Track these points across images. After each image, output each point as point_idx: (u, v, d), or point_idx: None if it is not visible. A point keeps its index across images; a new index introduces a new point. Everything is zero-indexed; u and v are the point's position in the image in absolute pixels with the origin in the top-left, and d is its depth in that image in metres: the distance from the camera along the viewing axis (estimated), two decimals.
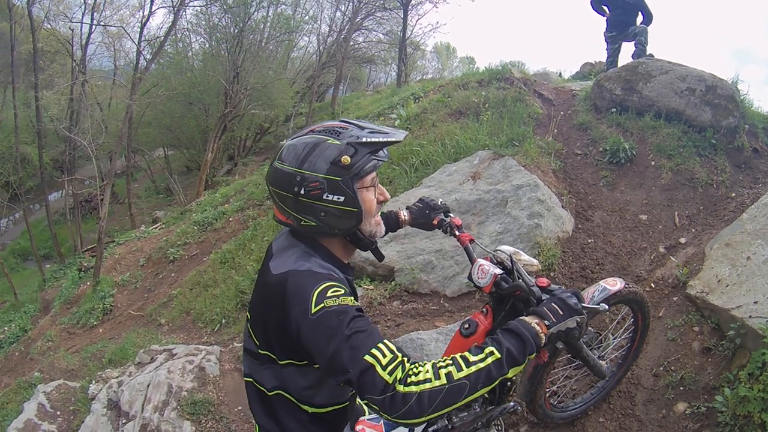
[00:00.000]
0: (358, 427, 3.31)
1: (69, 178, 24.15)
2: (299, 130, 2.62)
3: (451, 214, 3.89)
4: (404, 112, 13.12)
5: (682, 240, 7.62)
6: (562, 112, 11.28)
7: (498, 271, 3.15)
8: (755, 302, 5.41)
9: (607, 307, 2.86)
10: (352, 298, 2.29)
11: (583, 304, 2.55)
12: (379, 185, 2.67)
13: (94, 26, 24.43)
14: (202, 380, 7.47)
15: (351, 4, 30.28)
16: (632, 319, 4.84)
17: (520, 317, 2.41)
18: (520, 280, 3.06)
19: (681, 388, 5.32)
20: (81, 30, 24.84)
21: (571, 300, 2.48)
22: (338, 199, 2.40)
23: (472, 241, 3.64)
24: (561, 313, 2.42)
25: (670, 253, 7.41)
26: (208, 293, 10.95)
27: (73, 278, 16.47)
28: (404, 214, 3.81)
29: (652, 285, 6.85)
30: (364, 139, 2.43)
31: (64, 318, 13.79)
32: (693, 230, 7.80)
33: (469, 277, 3.29)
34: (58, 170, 29.88)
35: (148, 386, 7.30)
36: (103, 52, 31.10)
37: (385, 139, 2.48)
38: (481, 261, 3.27)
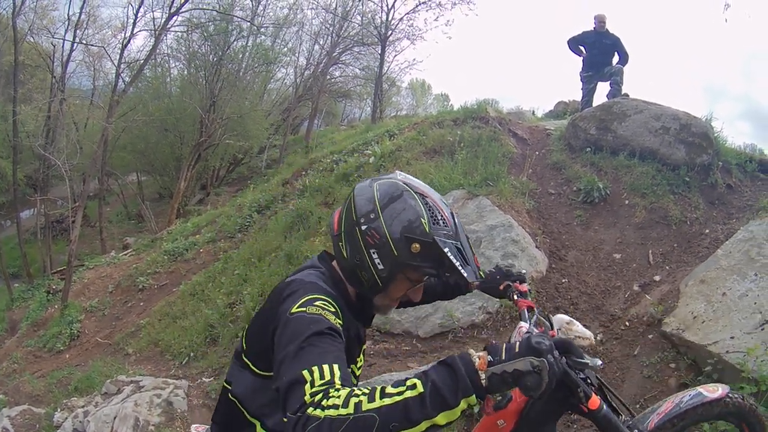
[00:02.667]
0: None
1: (41, 197, 23.70)
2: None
3: (526, 284, 3.53)
4: (379, 149, 13.06)
5: (657, 278, 7.58)
6: (536, 152, 11.29)
7: (535, 332, 2.83)
8: (732, 337, 5.41)
9: (600, 363, 2.39)
10: (338, 319, 2.11)
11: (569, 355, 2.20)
12: (420, 288, 2.51)
13: (75, 44, 24.25)
14: (170, 415, 7.37)
15: (329, 38, 30.30)
16: None
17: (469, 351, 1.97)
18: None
19: None
20: (63, 47, 24.61)
21: (535, 339, 1.83)
22: (379, 265, 2.24)
23: (531, 308, 3.29)
24: (517, 350, 1.79)
25: (645, 291, 7.36)
26: (176, 325, 10.81)
27: (41, 300, 16.14)
28: None
29: (627, 323, 6.80)
30: (446, 250, 2.18)
31: (30, 340, 13.47)
32: (667, 268, 7.76)
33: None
34: (31, 188, 29.24)
35: (114, 418, 7.16)
36: (83, 71, 30.61)
37: (460, 268, 2.19)
38: (522, 324, 3.05)
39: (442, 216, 2.25)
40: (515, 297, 3.39)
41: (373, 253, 2.22)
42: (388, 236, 2.19)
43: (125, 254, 18.51)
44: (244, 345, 2.47)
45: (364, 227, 2.22)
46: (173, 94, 28.04)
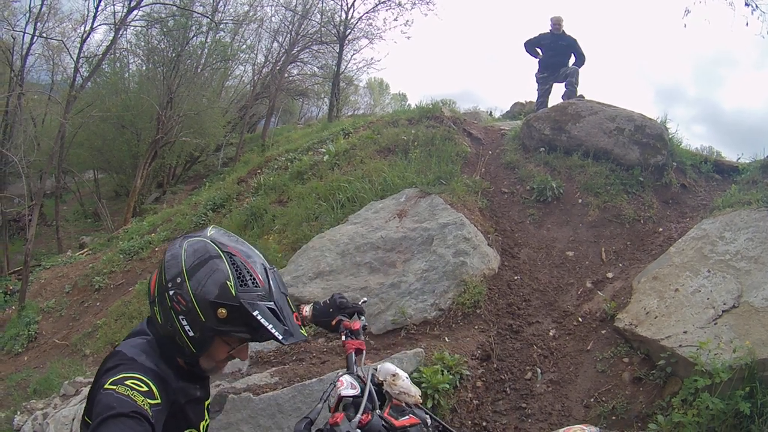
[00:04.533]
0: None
1: None
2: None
3: (362, 318, 3.35)
4: (333, 147, 13.05)
5: (609, 275, 7.60)
6: (490, 151, 11.30)
7: (348, 392, 2.62)
8: (685, 332, 5.48)
9: None
10: (149, 399, 2.08)
11: None
12: (245, 347, 2.43)
13: (36, 37, 23.33)
14: None
15: (289, 35, 30.22)
16: None
17: None
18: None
19: (613, 418, 5.30)
20: (23, 39, 23.78)
21: None
22: (189, 331, 2.19)
23: (360, 350, 3.11)
24: None
25: (598, 288, 7.39)
26: (132, 325, 10.37)
27: None
28: (306, 311, 3.34)
29: (580, 319, 6.82)
30: (255, 313, 2.15)
31: None
32: (620, 265, 7.79)
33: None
34: None
35: (73, 420, 7.08)
36: (41, 65, 29.97)
37: (273, 332, 2.19)
38: (345, 377, 2.73)
39: (252, 276, 2.22)
40: (343, 338, 3.21)
41: (182, 319, 2.18)
42: (194, 302, 2.14)
43: (82, 253, 18.41)
44: (87, 404, 2.38)
45: (171, 292, 2.19)
46: (131, 90, 27.62)
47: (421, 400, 2.74)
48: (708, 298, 5.89)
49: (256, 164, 16.62)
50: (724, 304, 5.75)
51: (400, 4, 25.46)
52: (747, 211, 7.05)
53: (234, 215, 12.78)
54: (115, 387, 2.01)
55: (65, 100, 19.36)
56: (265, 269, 2.29)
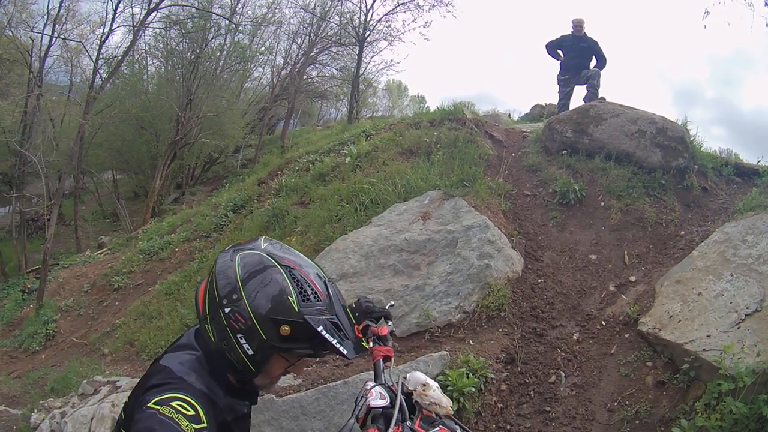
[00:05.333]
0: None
1: (17, 194, 23.15)
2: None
3: (390, 323, 3.27)
4: (355, 149, 13.06)
5: (632, 278, 7.62)
6: (512, 154, 11.29)
7: (378, 403, 2.52)
8: (708, 336, 5.50)
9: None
10: (194, 424, 1.94)
11: None
12: (303, 363, 2.30)
13: (54, 38, 23.40)
14: None
15: (307, 37, 30.24)
16: None
17: None
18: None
19: (637, 422, 5.32)
20: (41, 41, 23.79)
21: None
22: (248, 350, 2.07)
23: (388, 358, 3.06)
24: None
25: (621, 292, 7.41)
26: (152, 325, 10.73)
27: (17, 299, 16.10)
28: None
29: (603, 323, 6.84)
30: (320, 329, 2.03)
31: (5, 340, 13.40)
32: (643, 268, 7.80)
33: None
34: (6, 185, 27.88)
35: (91, 419, 7.11)
36: (60, 66, 30.34)
37: (338, 347, 2.06)
38: (375, 388, 2.61)
39: (313, 289, 2.11)
40: (371, 344, 3.12)
41: (240, 338, 2.07)
42: (254, 319, 2.03)
43: (100, 253, 18.55)
44: (123, 416, 2.27)
45: (227, 310, 2.07)
46: (150, 91, 27.81)
47: (452, 411, 2.61)
48: (731, 302, 5.92)
49: (276, 166, 16.67)
50: (747, 308, 5.79)
51: (418, 6, 25.42)
52: None
53: (255, 216, 12.83)
54: (159, 407, 1.92)
55: (84, 101, 19.40)
56: (324, 281, 2.18)
